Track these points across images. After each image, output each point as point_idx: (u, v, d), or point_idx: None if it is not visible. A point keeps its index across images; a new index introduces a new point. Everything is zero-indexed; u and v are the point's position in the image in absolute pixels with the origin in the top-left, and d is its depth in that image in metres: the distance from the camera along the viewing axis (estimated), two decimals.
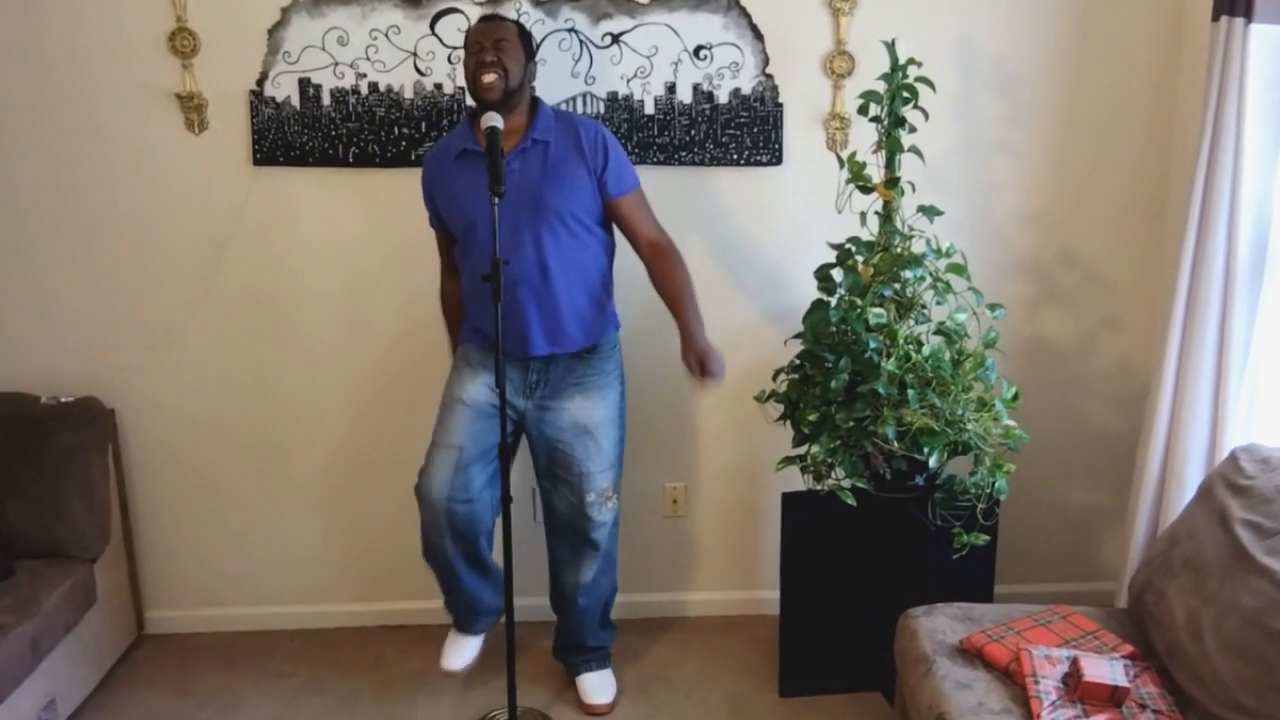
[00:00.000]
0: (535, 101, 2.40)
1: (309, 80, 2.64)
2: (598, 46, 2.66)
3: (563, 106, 2.66)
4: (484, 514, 2.45)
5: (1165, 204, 2.82)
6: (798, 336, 2.45)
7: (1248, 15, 2.25)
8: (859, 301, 2.34)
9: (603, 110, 2.68)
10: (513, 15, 2.57)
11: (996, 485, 2.32)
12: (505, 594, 2.34)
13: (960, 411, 2.29)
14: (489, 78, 2.27)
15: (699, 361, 2.32)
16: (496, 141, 2.17)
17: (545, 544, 2.64)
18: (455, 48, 2.63)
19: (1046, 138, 2.79)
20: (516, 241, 2.31)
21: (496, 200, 2.10)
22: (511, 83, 2.30)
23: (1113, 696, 1.88)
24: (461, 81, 2.64)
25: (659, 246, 2.45)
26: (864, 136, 2.63)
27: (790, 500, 2.57)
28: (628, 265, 2.53)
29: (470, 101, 2.46)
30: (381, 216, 2.73)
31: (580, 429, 2.44)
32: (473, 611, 2.61)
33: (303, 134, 2.66)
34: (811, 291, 2.47)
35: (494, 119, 2.22)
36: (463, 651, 2.62)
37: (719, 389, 2.87)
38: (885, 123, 2.41)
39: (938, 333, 2.40)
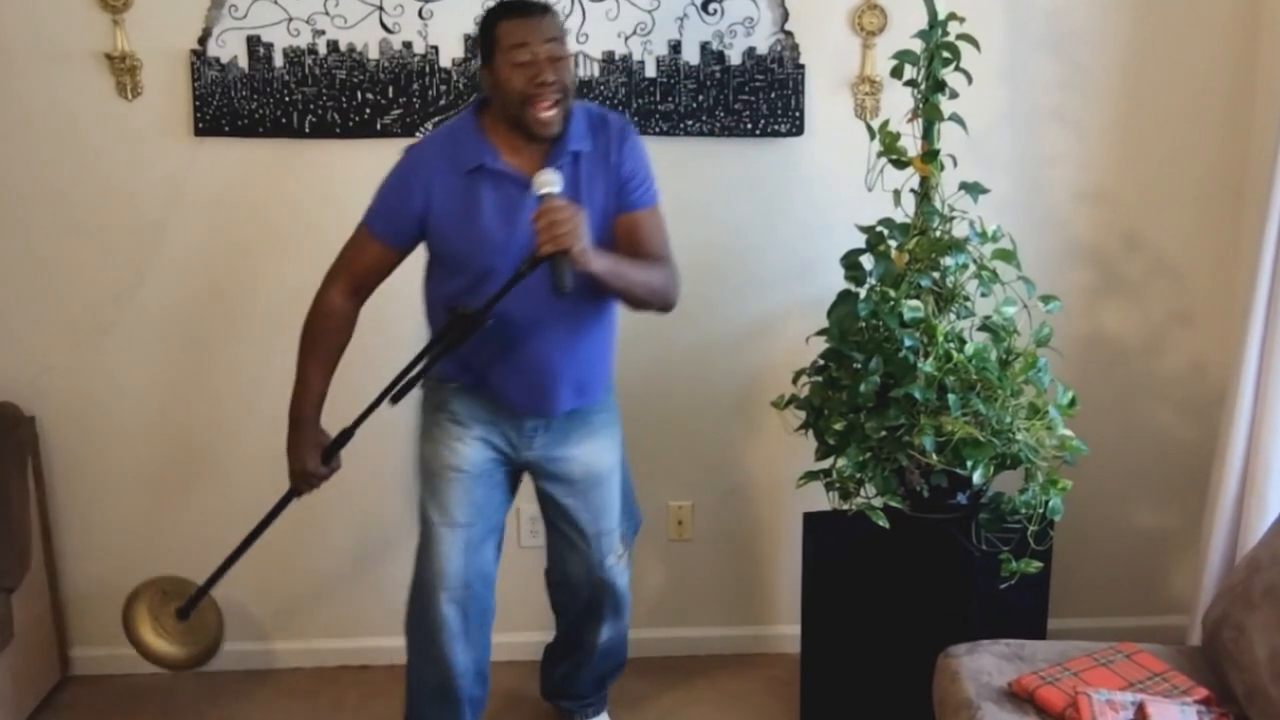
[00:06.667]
0: None
1: (258, 38, 2.63)
2: None
3: None
4: (491, 604, 2.42)
5: (1245, 181, 2.82)
6: (821, 333, 2.45)
7: None
8: (892, 293, 2.34)
9: (597, 73, 2.68)
10: None
11: (1050, 504, 2.32)
12: None
13: (1009, 419, 2.29)
14: (551, 111, 2.04)
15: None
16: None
17: (546, 586, 2.63)
18: (427, 1, 2.63)
19: (1109, 105, 2.79)
20: (542, 284, 2.05)
21: None
22: (569, 105, 2.10)
23: None
24: (435, 40, 2.64)
25: (662, 264, 2.25)
26: (898, 103, 2.63)
27: (813, 521, 2.57)
28: None
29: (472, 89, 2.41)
30: (342, 194, 2.70)
31: (593, 479, 2.37)
32: None
33: (251, 100, 2.66)
34: (837, 281, 2.47)
35: (550, 181, 2.01)
36: None
37: (726, 393, 2.88)
38: (922, 87, 2.41)
39: (983, 329, 2.40)
